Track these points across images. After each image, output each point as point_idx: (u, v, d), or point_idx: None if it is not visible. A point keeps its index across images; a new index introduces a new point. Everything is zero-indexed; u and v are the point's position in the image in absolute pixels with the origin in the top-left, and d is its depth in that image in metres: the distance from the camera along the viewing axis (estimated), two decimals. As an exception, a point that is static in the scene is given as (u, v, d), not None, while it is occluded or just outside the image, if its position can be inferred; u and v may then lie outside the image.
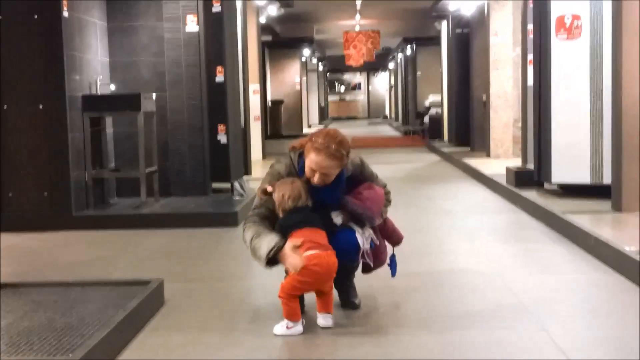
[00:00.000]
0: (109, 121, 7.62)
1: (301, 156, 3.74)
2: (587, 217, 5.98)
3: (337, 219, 3.76)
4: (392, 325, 3.65)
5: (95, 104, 7.10)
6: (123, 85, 7.75)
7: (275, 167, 3.80)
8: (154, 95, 7.53)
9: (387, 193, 3.98)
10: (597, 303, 4.12)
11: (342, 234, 3.73)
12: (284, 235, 3.61)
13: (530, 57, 8.16)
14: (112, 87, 7.70)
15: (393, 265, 3.94)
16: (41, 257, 5.62)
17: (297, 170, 3.75)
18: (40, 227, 6.52)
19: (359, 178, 3.86)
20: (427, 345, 3.38)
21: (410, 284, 4.34)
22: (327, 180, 3.67)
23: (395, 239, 4.00)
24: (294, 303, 3.56)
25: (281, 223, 3.66)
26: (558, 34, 7.11)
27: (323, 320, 3.64)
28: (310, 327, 3.66)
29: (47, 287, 4.16)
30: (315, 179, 3.65)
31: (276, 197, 3.65)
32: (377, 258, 3.85)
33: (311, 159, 3.62)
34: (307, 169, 3.67)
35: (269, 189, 3.69)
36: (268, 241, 3.58)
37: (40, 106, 6.59)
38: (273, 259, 3.58)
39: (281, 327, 3.56)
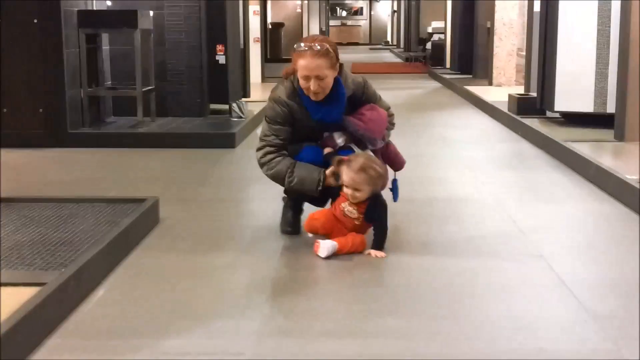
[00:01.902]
0: (105, 39, 7.47)
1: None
2: (589, 146, 5.91)
3: (340, 139, 3.69)
4: (391, 249, 3.61)
5: (91, 20, 6.94)
6: (120, 1, 7.56)
7: (277, 92, 3.71)
8: (151, 12, 7.36)
9: (391, 115, 3.91)
10: (597, 231, 4.09)
11: (341, 154, 3.66)
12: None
13: (537, -18, 7.96)
14: (109, 2, 7.52)
15: (395, 190, 3.88)
16: (35, 174, 5.56)
17: (299, 93, 3.65)
18: (35, 144, 6.44)
19: (362, 99, 3.78)
20: (426, 269, 3.35)
21: (410, 210, 4.30)
22: (324, 87, 3.59)
23: (397, 164, 3.93)
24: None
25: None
26: (567, -42, 6.91)
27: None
28: (306, 250, 3.62)
29: (41, 202, 4.10)
30: (312, 86, 3.56)
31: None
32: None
33: (300, 66, 3.56)
34: (300, 82, 3.60)
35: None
36: (309, 169, 3.62)
37: (35, 21, 6.44)
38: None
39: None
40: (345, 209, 3.56)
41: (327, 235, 3.57)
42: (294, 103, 3.67)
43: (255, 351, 2.53)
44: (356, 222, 3.57)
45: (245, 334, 2.66)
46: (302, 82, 3.60)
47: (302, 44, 3.59)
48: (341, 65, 3.71)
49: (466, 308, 2.90)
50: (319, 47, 3.55)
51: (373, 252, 3.51)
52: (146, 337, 2.62)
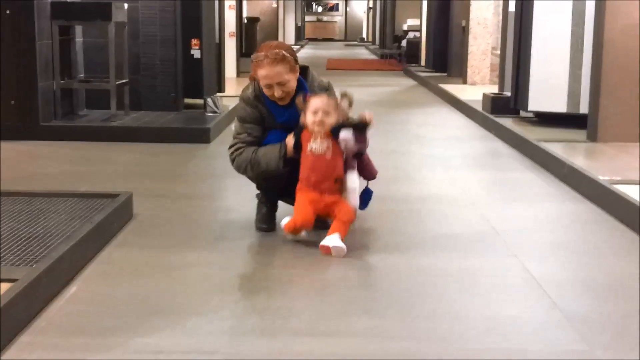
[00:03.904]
0: (78, 30, 7.39)
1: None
2: (562, 146, 5.95)
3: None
4: (364, 248, 3.61)
5: (65, 11, 6.85)
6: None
7: (247, 92, 3.76)
8: (125, 5, 7.29)
9: None
10: (570, 232, 4.11)
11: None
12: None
13: (513, -18, 8.00)
14: (83, -6, 7.44)
15: (366, 199, 3.79)
16: (6, 167, 5.48)
17: (263, 97, 3.70)
18: (6, 136, 6.35)
19: None
20: (400, 268, 3.35)
21: (383, 208, 4.30)
22: (288, 91, 3.64)
23: (369, 172, 3.84)
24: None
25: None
26: (543, -41, 6.95)
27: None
28: (281, 248, 3.61)
29: (12, 196, 4.05)
30: (276, 93, 3.62)
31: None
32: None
33: (260, 76, 3.61)
34: (264, 90, 3.65)
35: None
36: (272, 145, 3.65)
37: (7, 11, 6.35)
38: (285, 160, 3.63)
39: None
40: (313, 148, 3.55)
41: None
42: (261, 105, 3.72)
43: (229, 350, 2.51)
44: (327, 157, 3.54)
45: (219, 332, 2.64)
46: (265, 91, 3.66)
47: (258, 54, 3.62)
48: (307, 67, 3.79)
49: (440, 308, 2.90)
50: (275, 54, 3.58)
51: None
52: (119, 335, 2.60)
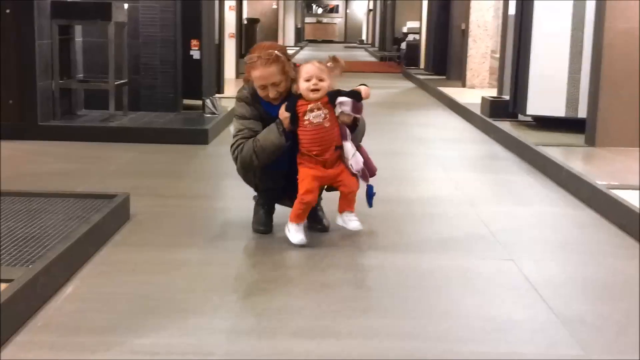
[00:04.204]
0: (78, 30, 7.39)
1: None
2: (560, 150, 5.96)
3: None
4: (362, 249, 3.62)
5: (65, 11, 6.85)
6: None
7: (243, 92, 3.77)
8: (125, 5, 7.30)
9: None
10: (566, 236, 4.12)
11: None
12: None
13: (513, -15, 8.01)
14: (83, -6, 7.44)
15: (370, 196, 3.80)
16: (4, 166, 5.47)
17: (258, 97, 3.70)
18: (4, 136, 6.35)
19: None
20: (398, 269, 3.36)
21: (381, 210, 4.29)
22: (281, 90, 3.64)
23: (369, 170, 3.82)
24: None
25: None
26: (543, -37, 6.96)
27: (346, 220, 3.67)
28: (280, 248, 3.61)
29: (9, 196, 4.05)
30: (270, 94, 3.63)
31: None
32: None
33: (254, 77, 3.61)
34: (258, 92, 3.66)
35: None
36: (268, 128, 3.63)
37: (7, 10, 6.35)
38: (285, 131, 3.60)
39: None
40: (311, 118, 3.55)
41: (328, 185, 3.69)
42: (258, 105, 3.73)
43: (227, 351, 2.52)
44: (326, 125, 3.55)
45: (217, 333, 2.65)
46: (260, 92, 3.66)
47: (252, 55, 3.63)
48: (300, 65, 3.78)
49: (437, 309, 2.91)
50: (268, 55, 3.59)
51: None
52: (116, 335, 2.60)
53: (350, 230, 3.72)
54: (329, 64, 3.62)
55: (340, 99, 3.55)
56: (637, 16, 5.96)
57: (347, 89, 3.62)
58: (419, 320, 2.80)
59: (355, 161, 3.63)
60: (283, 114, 3.61)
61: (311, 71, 3.55)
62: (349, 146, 3.64)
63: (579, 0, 6.81)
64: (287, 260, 3.48)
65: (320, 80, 3.54)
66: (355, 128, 3.69)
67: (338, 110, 3.56)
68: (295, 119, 3.57)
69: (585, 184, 4.76)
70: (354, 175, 3.66)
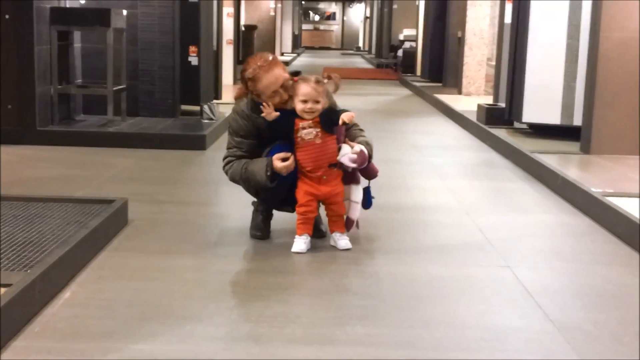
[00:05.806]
0: (77, 36, 7.40)
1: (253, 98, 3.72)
2: (556, 158, 5.99)
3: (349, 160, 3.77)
4: (359, 257, 3.63)
5: (64, 17, 6.88)
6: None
7: (240, 105, 3.77)
8: (124, 11, 7.32)
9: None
10: (562, 243, 4.14)
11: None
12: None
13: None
14: (82, 0, 7.46)
15: (368, 197, 3.85)
16: (2, 171, 5.49)
17: (256, 109, 3.69)
18: (3, 141, 6.36)
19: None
20: (395, 277, 3.38)
21: (378, 217, 4.32)
22: (291, 93, 3.67)
23: (371, 171, 3.86)
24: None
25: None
26: (539, -28, 7.00)
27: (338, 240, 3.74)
28: (277, 255, 3.63)
29: (7, 201, 4.06)
30: (283, 97, 3.66)
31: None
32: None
33: (263, 87, 3.62)
34: (270, 100, 3.63)
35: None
36: (260, 161, 3.65)
37: (7, 16, 6.37)
38: (273, 175, 3.62)
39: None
40: (303, 134, 3.62)
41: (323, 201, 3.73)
42: (257, 115, 3.70)
43: (224, 357, 2.53)
44: (317, 142, 3.62)
45: (214, 339, 2.66)
46: (271, 101, 3.63)
47: (251, 69, 3.63)
48: (299, 72, 3.80)
49: (434, 317, 2.92)
50: (266, 60, 3.63)
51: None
52: (113, 341, 2.61)
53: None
54: (325, 81, 3.68)
55: (341, 158, 3.66)
56: (632, 25, 6.00)
57: (340, 107, 3.74)
58: (415, 328, 2.81)
59: (354, 211, 3.77)
60: (277, 157, 3.62)
61: (308, 94, 3.60)
62: (356, 192, 3.77)
63: (574, 9, 6.84)
64: (284, 267, 3.49)
65: (316, 102, 3.61)
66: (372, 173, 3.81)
67: (343, 162, 3.68)
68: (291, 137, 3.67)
69: (581, 192, 4.78)
70: (350, 172, 3.73)
